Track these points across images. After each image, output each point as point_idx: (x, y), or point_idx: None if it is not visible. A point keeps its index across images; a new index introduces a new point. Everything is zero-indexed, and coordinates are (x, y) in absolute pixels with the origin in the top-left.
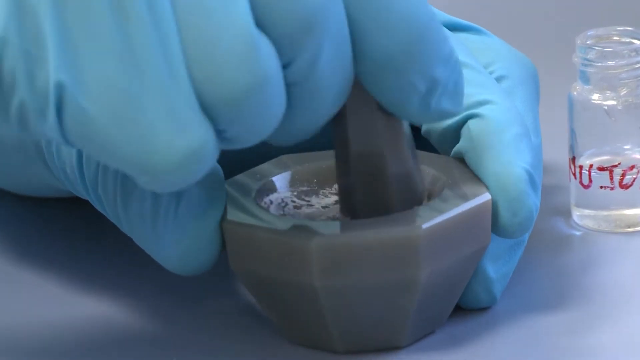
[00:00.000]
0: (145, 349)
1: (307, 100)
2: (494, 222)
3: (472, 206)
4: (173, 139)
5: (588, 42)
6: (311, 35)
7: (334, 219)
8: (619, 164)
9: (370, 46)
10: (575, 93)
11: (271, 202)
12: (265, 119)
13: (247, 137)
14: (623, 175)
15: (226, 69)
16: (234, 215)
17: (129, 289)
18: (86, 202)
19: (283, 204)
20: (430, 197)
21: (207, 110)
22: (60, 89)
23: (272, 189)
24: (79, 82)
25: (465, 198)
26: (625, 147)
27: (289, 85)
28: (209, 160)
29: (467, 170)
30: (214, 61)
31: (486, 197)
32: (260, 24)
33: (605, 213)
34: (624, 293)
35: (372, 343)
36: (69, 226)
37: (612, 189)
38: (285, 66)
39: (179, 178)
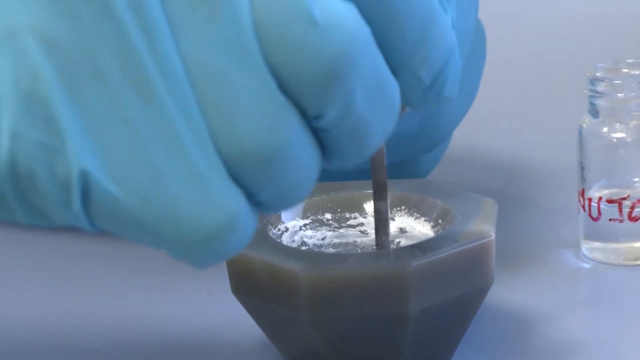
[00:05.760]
0: None
1: (349, 141)
2: None
3: (470, 246)
4: (204, 211)
5: (597, 74)
6: (337, 85)
7: (344, 249)
8: (628, 196)
9: (386, 45)
10: (584, 125)
11: (286, 229)
12: (298, 177)
13: (284, 199)
14: (632, 207)
15: (247, 133)
16: None
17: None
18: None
19: (297, 232)
20: (435, 230)
21: (235, 177)
22: (84, 177)
23: (291, 216)
24: (104, 168)
25: (467, 238)
26: (635, 179)
27: (324, 132)
28: (245, 228)
29: (481, 206)
30: (234, 128)
31: (489, 237)
32: (281, 82)
33: (614, 245)
34: (634, 326)
35: None
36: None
37: (621, 221)
38: (316, 117)
39: (216, 250)
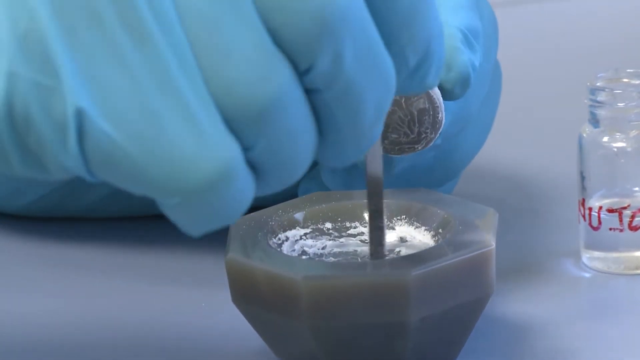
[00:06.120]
0: None
1: (342, 108)
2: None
3: (470, 256)
4: (199, 156)
5: (598, 84)
6: (327, 36)
7: (345, 258)
8: (629, 205)
9: (377, 16)
10: (585, 135)
11: (287, 239)
12: (292, 136)
13: (279, 161)
14: (632, 217)
15: (241, 81)
16: (235, 251)
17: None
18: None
19: (298, 241)
20: (435, 240)
21: (230, 125)
22: (80, 116)
23: (292, 225)
24: (99, 107)
25: (467, 247)
26: (635, 189)
27: (316, 94)
28: (241, 185)
29: (481, 215)
30: (228, 75)
31: (490, 247)
32: (272, 33)
33: (614, 255)
34: (635, 335)
35: None
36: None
37: (621, 230)
38: (306, 71)
39: (212, 200)
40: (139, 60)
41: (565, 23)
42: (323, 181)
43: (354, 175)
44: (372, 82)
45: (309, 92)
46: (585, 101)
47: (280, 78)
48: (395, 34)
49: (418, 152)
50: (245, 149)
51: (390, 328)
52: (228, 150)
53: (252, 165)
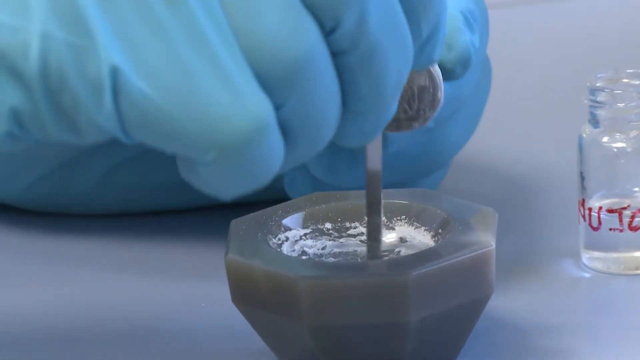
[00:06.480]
0: None
1: (365, 73)
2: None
3: (469, 256)
4: (234, 111)
5: (598, 84)
6: None
7: (344, 258)
8: (629, 206)
9: None
10: (584, 135)
11: (287, 239)
12: (320, 95)
13: (308, 123)
14: (632, 217)
15: (271, 37)
16: (235, 251)
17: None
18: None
19: (297, 241)
20: (435, 240)
21: (261, 82)
22: (114, 74)
23: (291, 225)
24: (133, 65)
25: (467, 247)
26: (635, 189)
27: (341, 56)
28: (273, 140)
29: (481, 216)
30: (259, 32)
31: (489, 247)
32: None
33: (614, 255)
34: (635, 335)
35: None
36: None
37: (621, 231)
38: (332, 31)
39: (246, 155)
40: (171, 18)
41: (565, 23)
42: (307, 166)
43: (337, 157)
44: (394, 46)
45: (335, 55)
46: (585, 101)
47: (309, 35)
48: (413, 3)
49: (410, 134)
50: (276, 108)
51: (390, 328)
52: (261, 105)
53: (282, 127)
